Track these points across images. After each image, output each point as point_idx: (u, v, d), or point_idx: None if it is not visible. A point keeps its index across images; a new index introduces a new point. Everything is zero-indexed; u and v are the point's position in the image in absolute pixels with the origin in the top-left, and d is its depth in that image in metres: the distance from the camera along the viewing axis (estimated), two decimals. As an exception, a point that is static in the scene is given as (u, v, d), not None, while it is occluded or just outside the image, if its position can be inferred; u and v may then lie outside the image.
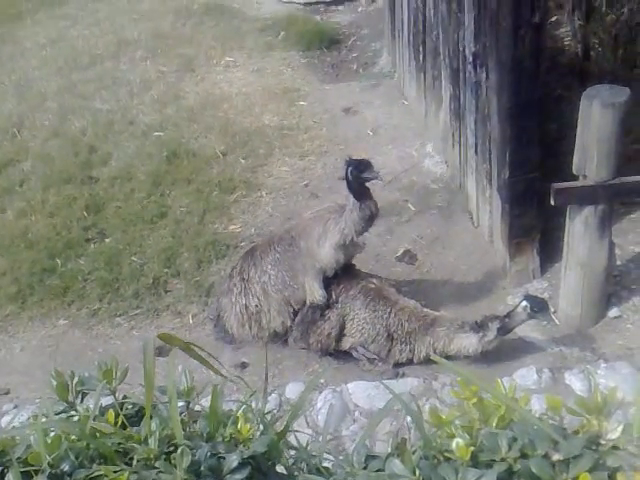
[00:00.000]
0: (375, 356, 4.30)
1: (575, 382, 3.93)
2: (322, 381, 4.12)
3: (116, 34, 7.69)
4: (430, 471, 1.25)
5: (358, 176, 3.94)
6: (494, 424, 1.34)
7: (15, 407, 4.15)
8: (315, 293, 4.23)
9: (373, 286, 4.32)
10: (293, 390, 3.98)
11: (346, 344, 4.35)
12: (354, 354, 4.36)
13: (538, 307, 4.02)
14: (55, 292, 4.95)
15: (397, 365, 4.31)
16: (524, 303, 4.02)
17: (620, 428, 1.31)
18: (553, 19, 6.10)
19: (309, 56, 7.28)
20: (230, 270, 4.61)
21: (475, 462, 1.27)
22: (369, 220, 4.04)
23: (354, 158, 4.04)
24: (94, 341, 4.68)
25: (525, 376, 3.99)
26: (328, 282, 4.27)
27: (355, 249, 4.25)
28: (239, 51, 7.31)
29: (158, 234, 5.28)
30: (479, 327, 4.09)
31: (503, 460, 1.25)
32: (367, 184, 3.99)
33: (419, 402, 3.68)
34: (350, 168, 3.93)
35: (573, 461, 1.23)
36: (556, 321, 4.48)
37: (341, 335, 4.32)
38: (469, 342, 4.11)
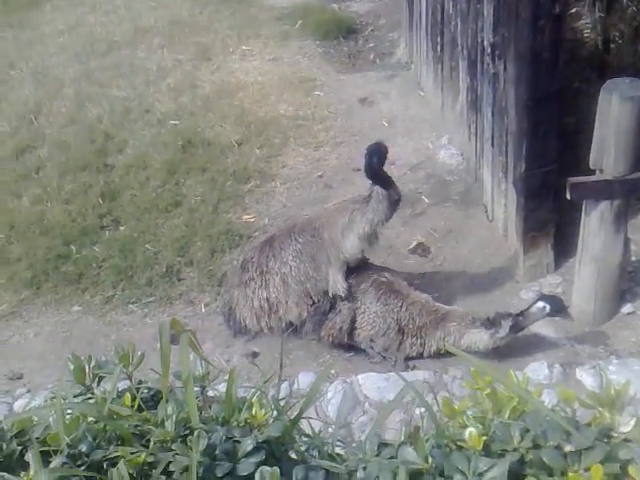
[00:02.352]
0: (382, 358, 4.31)
1: (586, 378, 3.92)
2: (332, 372, 4.14)
3: (133, 21, 7.70)
4: (442, 459, 1.26)
5: (381, 164, 3.92)
6: (507, 415, 1.34)
7: (28, 392, 4.19)
8: (338, 284, 4.21)
9: (385, 279, 4.31)
10: (303, 380, 3.98)
11: (357, 337, 4.35)
12: (364, 347, 4.36)
13: (557, 308, 4.00)
14: (69, 279, 5.00)
15: (407, 359, 4.31)
16: (541, 304, 3.98)
17: (633, 422, 1.32)
18: (573, 11, 6.03)
19: (326, 46, 7.26)
20: (242, 262, 4.53)
21: (487, 452, 1.28)
22: (396, 205, 4.05)
23: (373, 146, 3.97)
24: (107, 328, 4.72)
25: (536, 370, 3.98)
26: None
27: (378, 238, 4.22)
28: (255, 40, 7.29)
29: (172, 223, 5.30)
30: (491, 323, 4.07)
31: (515, 450, 1.26)
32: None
33: (430, 394, 3.68)
34: (374, 159, 3.90)
35: (585, 452, 1.24)
36: (571, 317, 4.46)
37: (352, 328, 4.32)
38: (480, 338, 4.10)
